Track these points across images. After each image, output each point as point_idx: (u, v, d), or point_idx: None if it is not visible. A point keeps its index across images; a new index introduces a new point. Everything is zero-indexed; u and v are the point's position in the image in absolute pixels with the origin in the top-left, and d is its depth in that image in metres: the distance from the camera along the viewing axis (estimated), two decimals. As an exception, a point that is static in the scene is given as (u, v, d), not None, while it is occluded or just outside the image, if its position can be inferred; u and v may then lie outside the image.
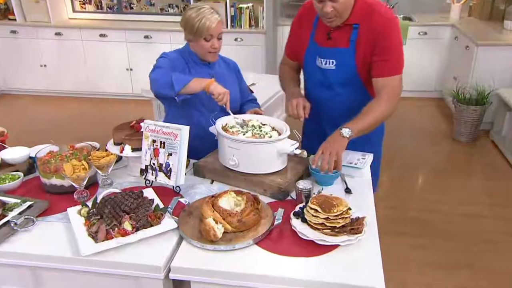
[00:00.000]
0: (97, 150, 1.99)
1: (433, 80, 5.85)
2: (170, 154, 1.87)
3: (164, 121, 2.12)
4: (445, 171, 4.25)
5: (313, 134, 2.42)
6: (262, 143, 1.88)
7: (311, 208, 1.64)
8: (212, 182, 2.03)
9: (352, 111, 2.04)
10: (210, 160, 2.09)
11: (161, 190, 1.89)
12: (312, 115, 2.16)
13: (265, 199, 1.86)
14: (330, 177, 1.95)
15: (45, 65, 6.09)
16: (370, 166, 2.13)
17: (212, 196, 1.77)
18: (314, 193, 1.83)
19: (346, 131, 1.91)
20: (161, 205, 1.78)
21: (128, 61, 5.89)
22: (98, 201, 1.78)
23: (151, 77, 2.09)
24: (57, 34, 5.87)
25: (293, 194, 1.86)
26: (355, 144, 2.03)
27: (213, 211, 1.65)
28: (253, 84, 3.70)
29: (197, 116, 2.20)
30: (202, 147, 2.16)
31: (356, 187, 1.96)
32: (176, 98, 2.04)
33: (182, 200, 1.77)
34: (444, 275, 2.92)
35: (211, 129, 2.06)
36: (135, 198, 1.72)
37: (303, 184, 1.79)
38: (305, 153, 2.12)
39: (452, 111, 5.19)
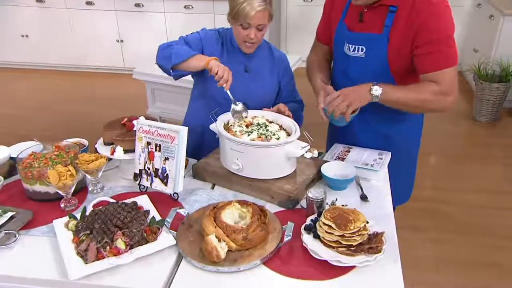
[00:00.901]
0: (85, 152, 1.90)
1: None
2: (166, 159, 1.79)
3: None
4: (463, 155, 4.17)
5: (334, 133, 2.33)
6: (269, 146, 1.81)
7: (325, 224, 1.57)
8: (213, 187, 1.95)
9: (379, 109, 1.93)
10: (211, 162, 2.01)
11: (157, 196, 1.83)
12: None
13: (271, 207, 1.80)
14: (343, 182, 1.87)
15: (26, 36, 5.93)
16: (404, 171, 2.05)
17: (214, 207, 1.69)
18: (327, 203, 1.75)
19: (377, 90, 1.79)
20: (158, 217, 1.71)
21: (118, 32, 5.73)
22: (87, 212, 1.71)
23: (159, 47, 2.04)
24: (39, 1, 5.68)
25: (303, 202, 1.78)
26: (385, 139, 1.99)
27: (216, 227, 1.58)
28: None
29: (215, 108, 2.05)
30: (211, 144, 2.09)
31: (373, 193, 1.89)
32: (171, 72, 1.97)
33: (181, 211, 1.70)
34: (463, 274, 2.88)
35: (212, 127, 1.97)
36: (128, 211, 1.65)
37: (314, 193, 1.72)
38: (316, 152, 2.04)
39: (472, 88, 5.07)
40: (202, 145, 2.24)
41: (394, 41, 1.88)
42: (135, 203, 1.71)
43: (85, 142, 2.16)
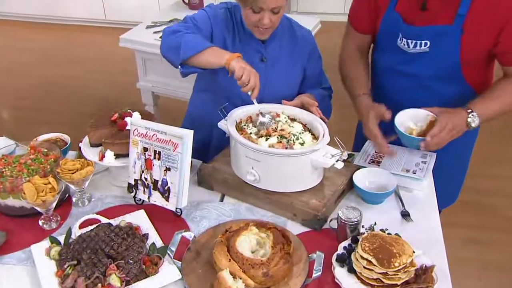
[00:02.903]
0: (68, 159, 1.79)
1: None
2: (168, 169, 1.69)
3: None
4: (510, 133, 4.01)
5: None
6: (291, 155, 1.70)
7: (363, 258, 1.48)
8: (222, 199, 1.87)
9: (446, 106, 1.82)
10: (220, 167, 1.91)
11: (156, 210, 1.76)
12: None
13: (294, 226, 1.73)
14: (380, 196, 1.78)
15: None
16: (453, 173, 1.97)
17: (226, 230, 1.60)
18: (362, 226, 1.66)
19: (473, 120, 1.74)
20: (158, 242, 1.63)
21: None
22: (72, 235, 1.63)
23: (164, 32, 1.88)
24: None
25: (333, 223, 1.70)
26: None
27: (230, 260, 1.50)
28: None
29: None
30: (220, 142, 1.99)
31: (416, 208, 1.80)
32: (179, 68, 1.82)
33: (186, 234, 1.61)
34: (510, 283, 2.81)
35: (221, 125, 1.86)
36: (124, 238, 1.56)
37: (347, 214, 1.63)
38: (345, 154, 1.94)
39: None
40: (209, 144, 2.14)
41: (470, 33, 1.74)
42: (131, 227, 1.62)
43: (67, 138, 2.07)
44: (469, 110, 1.74)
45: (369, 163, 1.97)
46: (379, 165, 1.96)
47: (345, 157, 1.92)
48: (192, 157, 1.73)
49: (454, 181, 2.18)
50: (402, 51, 1.88)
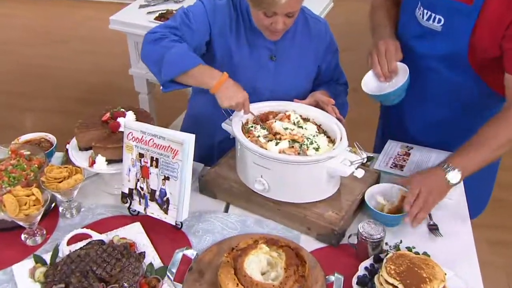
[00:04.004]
0: (53, 165, 1.72)
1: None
2: (166, 178, 1.64)
3: None
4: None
5: (387, 116, 2.19)
6: (305, 163, 1.64)
7: (388, 283, 1.42)
8: (227, 209, 1.81)
9: (456, 96, 1.82)
10: (224, 172, 1.86)
11: (153, 222, 1.71)
12: None
13: (308, 242, 1.67)
14: (396, 218, 1.70)
15: None
16: (482, 177, 1.89)
17: (233, 249, 1.54)
18: (386, 244, 1.60)
19: (454, 176, 1.67)
20: (157, 261, 1.57)
21: None
22: (60, 253, 1.57)
23: (145, 38, 1.79)
24: None
25: (352, 238, 1.64)
26: (457, 136, 1.83)
27: (237, 284, 1.43)
28: None
29: None
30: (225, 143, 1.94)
31: (445, 220, 1.74)
32: (161, 88, 1.78)
33: (187, 253, 1.56)
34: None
35: (225, 126, 1.81)
36: (118, 259, 1.50)
37: (368, 229, 1.57)
38: (364, 155, 1.88)
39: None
40: (212, 146, 2.08)
41: (487, 18, 1.67)
42: (125, 246, 1.55)
43: (52, 139, 2.01)
44: (445, 166, 1.67)
45: (391, 167, 1.92)
46: (402, 169, 1.90)
47: (364, 160, 1.86)
48: (194, 159, 1.66)
49: (484, 185, 2.10)
50: (416, 22, 1.85)
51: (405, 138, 2.04)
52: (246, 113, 1.75)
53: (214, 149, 2.06)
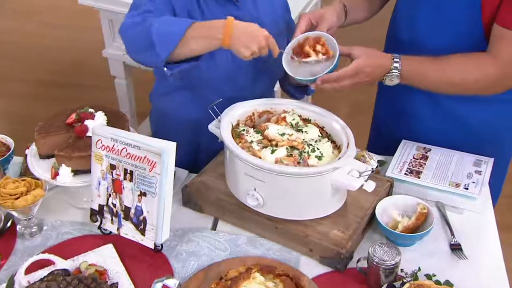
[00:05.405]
0: (10, 178, 1.66)
1: None
2: (143, 194, 1.58)
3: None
4: None
5: (382, 118, 2.18)
6: (306, 175, 1.57)
7: (406, 320, 1.36)
8: (215, 226, 1.75)
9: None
10: (211, 182, 1.80)
11: (128, 245, 1.65)
12: None
13: (310, 266, 1.61)
14: (413, 238, 1.64)
15: None
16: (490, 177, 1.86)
17: (222, 278, 1.52)
18: (402, 270, 1.55)
19: (391, 81, 1.75)
20: (132, 293, 1.50)
21: None
22: (16, 285, 1.50)
23: (121, 31, 1.71)
24: None
25: (362, 262, 1.57)
26: (464, 127, 1.89)
27: (228, 323, 1.37)
28: None
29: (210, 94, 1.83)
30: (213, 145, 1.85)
31: (470, 237, 1.68)
32: (165, 70, 1.67)
33: (168, 283, 1.50)
34: None
35: (212, 128, 1.74)
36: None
37: (381, 253, 1.51)
38: (373, 161, 1.83)
39: None
40: (197, 150, 2.02)
41: None
42: (94, 278, 1.48)
43: (10, 142, 1.93)
44: (394, 66, 1.73)
45: (406, 173, 1.84)
46: (419, 177, 1.83)
47: (375, 166, 1.82)
48: (176, 165, 1.60)
49: (494, 182, 2.06)
50: None
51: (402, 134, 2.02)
52: (275, 55, 1.68)
53: (199, 152, 2.02)
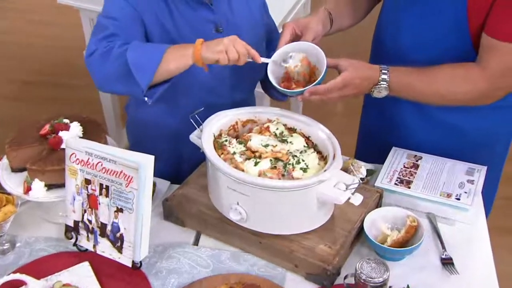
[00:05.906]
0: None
1: None
2: (120, 210, 1.55)
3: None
4: None
5: (370, 125, 2.19)
6: (290, 189, 1.54)
7: None
8: (197, 241, 1.73)
9: None
10: (192, 194, 1.77)
11: (105, 263, 1.62)
12: None
13: (295, 282, 1.59)
14: (402, 252, 1.62)
15: None
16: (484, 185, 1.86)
17: None
18: (390, 287, 1.52)
19: (379, 93, 1.74)
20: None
21: None
22: None
23: (87, 61, 1.67)
24: None
25: (349, 278, 1.54)
26: (455, 134, 1.90)
27: None
28: None
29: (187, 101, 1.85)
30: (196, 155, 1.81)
31: (462, 251, 1.66)
32: (146, 99, 1.65)
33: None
34: None
35: (194, 138, 1.72)
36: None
37: (368, 269, 1.47)
38: (363, 170, 1.81)
39: None
40: (179, 161, 2.00)
41: None
42: (69, 299, 1.44)
43: None
44: (381, 78, 1.72)
45: (396, 183, 1.83)
46: (409, 187, 1.82)
47: (364, 175, 1.79)
48: (155, 175, 1.58)
49: (487, 190, 2.05)
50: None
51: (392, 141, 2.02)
52: (257, 61, 1.68)
53: (182, 161, 1.99)
